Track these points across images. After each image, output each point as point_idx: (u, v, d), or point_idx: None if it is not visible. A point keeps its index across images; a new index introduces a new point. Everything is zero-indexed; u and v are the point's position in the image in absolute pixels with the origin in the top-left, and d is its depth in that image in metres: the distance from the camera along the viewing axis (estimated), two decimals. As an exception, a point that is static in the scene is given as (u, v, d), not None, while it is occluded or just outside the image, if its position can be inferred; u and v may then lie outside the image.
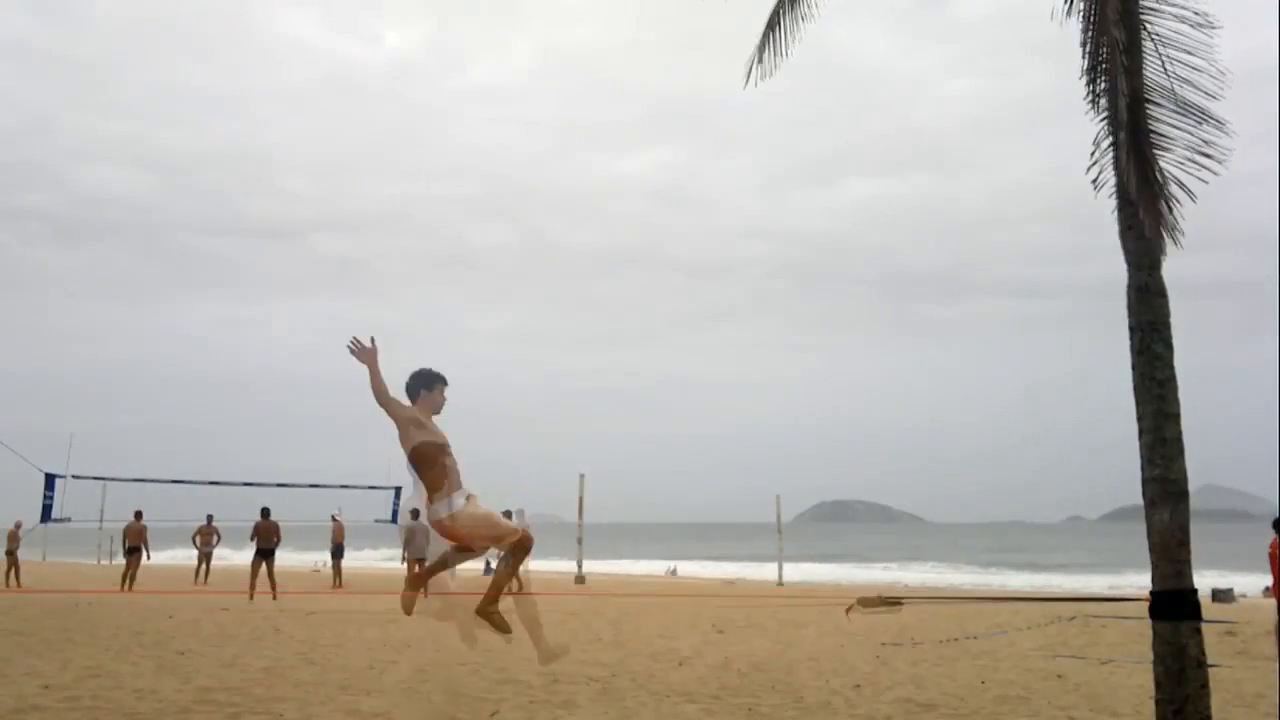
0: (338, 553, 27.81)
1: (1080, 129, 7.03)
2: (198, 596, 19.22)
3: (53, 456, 24.38)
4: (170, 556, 34.27)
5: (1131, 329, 6.66)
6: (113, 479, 26.26)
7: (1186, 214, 6.73)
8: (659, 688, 9.60)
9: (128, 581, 23.28)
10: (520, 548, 5.75)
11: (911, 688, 9.80)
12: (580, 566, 32.45)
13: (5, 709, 7.95)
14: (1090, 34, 6.91)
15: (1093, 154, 6.97)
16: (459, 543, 5.71)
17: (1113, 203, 6.84)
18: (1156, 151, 6.68)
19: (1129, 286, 6.70)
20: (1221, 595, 26.06)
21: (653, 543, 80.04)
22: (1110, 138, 6.78)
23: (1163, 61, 6.77)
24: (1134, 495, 6.53)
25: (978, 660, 11.81)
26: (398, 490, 24.25)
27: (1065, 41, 7.06)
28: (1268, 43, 7.69)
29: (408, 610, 6.13)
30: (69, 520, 24.71)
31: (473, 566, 7.18)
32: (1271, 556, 12.46)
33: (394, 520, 24.98)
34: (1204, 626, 6.45)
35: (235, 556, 33.16)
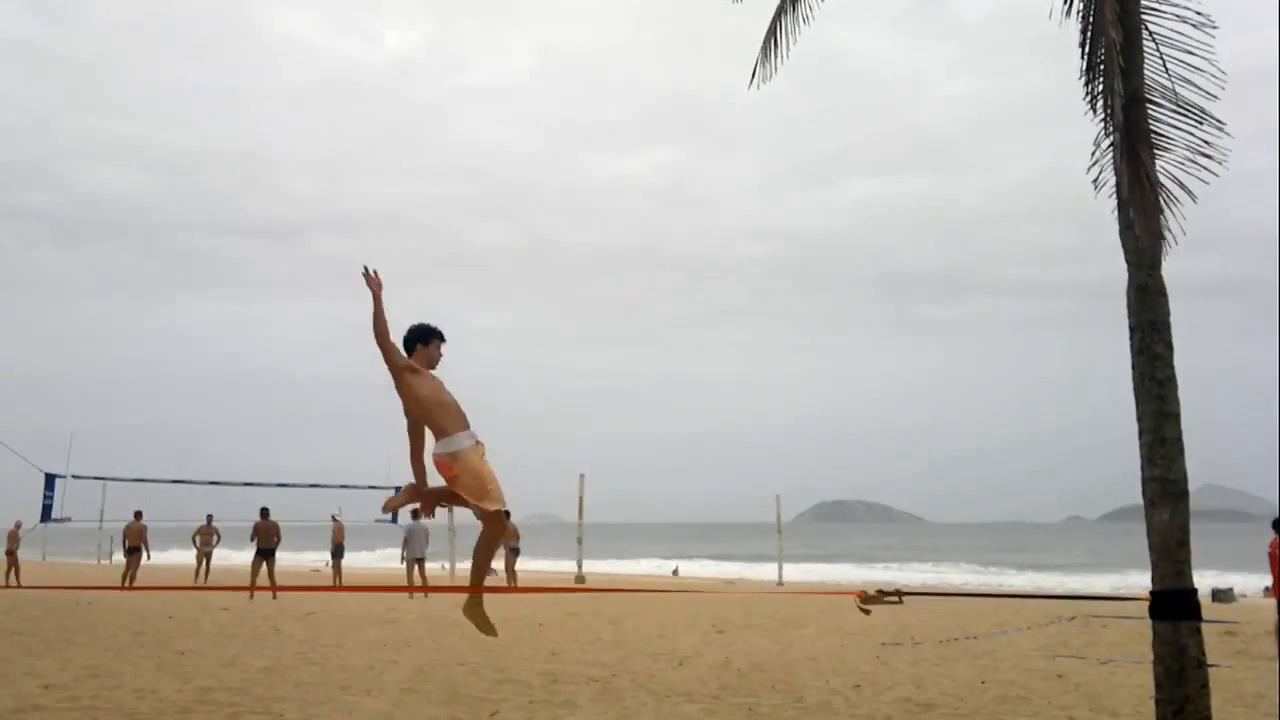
0: (338, 553, 27.79)
1: (1080, 129, 7.04)
2: (198, 596, 19.20)
3: (53, 456, 24.48)
4: (170, 557, 34.25)
5: (1131, 329, 6.65)
6: (113, 479, 26.38)
7: (1186, 214, 6.75)
8: (659, 687, 9.60)
9: (128, 581, 23.28)
10: (494, 522, 5.61)
11: (911, 688, 9.81)
12: (580, 566, 32.49)
13: (5, 709, 7.95)
14: (1088, 34, 6.92)
15: (1093, 154, 6.98)
16: (449, 484, 5.56)
17: (1113, 203, 6.83)
18: (1156, 151, 6.69)
19: (1129, 286, 6.69)
20: (1221, 595, 26.12)
21: (653, 543, 79.99)
22: (1109, 138, 6.78)
23: (1162, 61, 6.78)
24: (1134, 495, 6.52)
25: (978, 660, 11.81)
26: (398, 490, 24.21)
27: (1065, 42, 7.07)
28: (1267, 43, 7.70)
29: (485, 628, 5.86)
30: (69, 520, 24.76)
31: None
32: (1271, 556, 12.49)
33: (394, 520, 24.97)
34: (1204, 626, 6.44)
35: (235, 556, 33.13)
